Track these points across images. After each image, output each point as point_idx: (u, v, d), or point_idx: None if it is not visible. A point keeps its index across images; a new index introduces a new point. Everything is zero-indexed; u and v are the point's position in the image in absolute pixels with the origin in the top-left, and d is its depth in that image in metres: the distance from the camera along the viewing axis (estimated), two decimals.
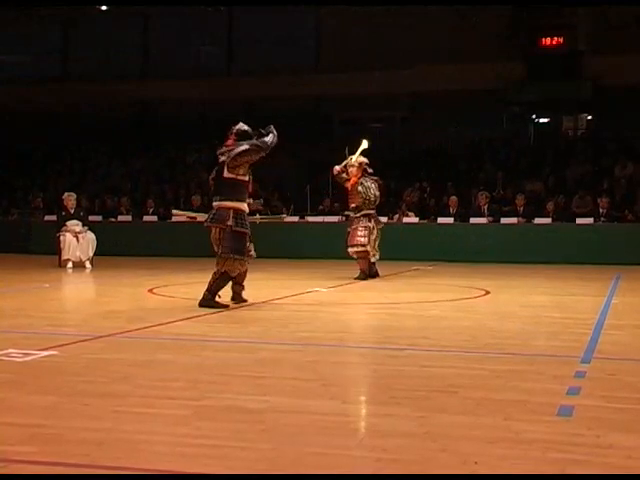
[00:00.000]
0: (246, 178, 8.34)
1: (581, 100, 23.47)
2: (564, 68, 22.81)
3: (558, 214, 16.82)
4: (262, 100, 24.47)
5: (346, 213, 12.33)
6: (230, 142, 8.30)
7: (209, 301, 8.23)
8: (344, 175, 12.21)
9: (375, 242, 12.15)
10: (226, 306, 8.29)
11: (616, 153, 20.99)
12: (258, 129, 8.41)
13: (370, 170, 12.22)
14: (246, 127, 8.38)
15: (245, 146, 8.20)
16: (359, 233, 12.05)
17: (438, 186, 20.10)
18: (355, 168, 12.10)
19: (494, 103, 23.29)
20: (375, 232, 12.17)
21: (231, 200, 8.28)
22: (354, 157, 12.14)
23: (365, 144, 12.13)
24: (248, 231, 8.37)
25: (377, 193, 12.19)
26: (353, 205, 12.20)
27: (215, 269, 8.31)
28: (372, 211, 12.20)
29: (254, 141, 8.26)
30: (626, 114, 22.05)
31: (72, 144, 25.64)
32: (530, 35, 23.22)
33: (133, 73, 27.03)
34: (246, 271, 8.57)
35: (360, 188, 12.07)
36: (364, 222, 12.12)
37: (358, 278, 11.93)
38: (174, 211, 13.08)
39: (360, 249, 12.01)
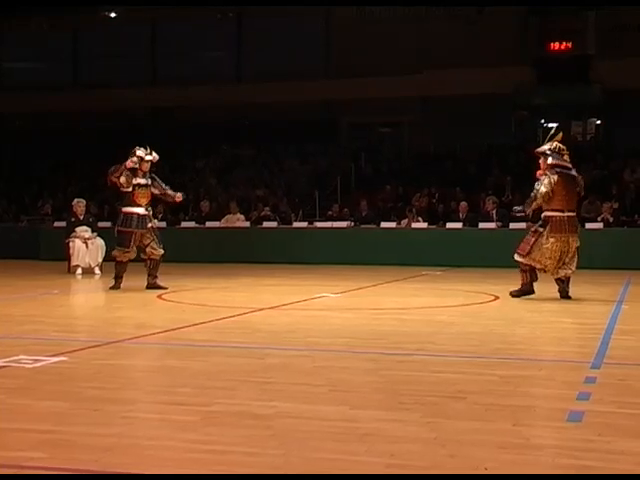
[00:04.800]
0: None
1: (590, 104, 23.44)
2: (573, 73, 22.79)
3: None
4: (271, 105, 24.48)
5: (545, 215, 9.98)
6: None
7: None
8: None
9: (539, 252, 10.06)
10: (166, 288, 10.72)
11: (625, 157, 20.94)
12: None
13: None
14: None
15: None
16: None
17: (447, 191, 20.08)
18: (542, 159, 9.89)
19: (503, 108, 23.27)
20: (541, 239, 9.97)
21: None
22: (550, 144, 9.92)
23: (559, 136, 10.02)
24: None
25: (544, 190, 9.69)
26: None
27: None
28: (546, 213, 9.93)
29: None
30: (635, 118, 22.00)
31: (82, 151, 25.69)
32: (539, 40, 23.21)
33: (143, 79, 27.09)
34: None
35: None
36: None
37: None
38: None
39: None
